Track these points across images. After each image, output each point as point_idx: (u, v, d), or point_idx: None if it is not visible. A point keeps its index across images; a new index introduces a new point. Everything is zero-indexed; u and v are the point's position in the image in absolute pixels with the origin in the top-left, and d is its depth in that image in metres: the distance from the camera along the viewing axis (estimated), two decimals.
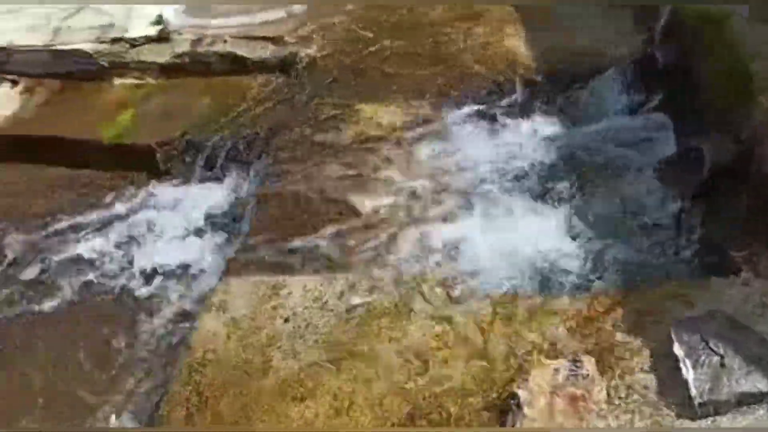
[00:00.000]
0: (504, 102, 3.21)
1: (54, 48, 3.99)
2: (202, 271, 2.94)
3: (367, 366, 2.27)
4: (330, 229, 2.85)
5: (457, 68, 3.44)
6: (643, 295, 2.27)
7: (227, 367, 2.33)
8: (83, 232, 3.27)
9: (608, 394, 1.99)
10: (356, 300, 2.49)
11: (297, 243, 2.80)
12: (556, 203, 2.75)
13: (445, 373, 2.20)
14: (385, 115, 3.30)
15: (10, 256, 3.20)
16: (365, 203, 2.93)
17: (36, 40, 4.03)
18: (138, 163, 3.54)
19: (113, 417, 2.48)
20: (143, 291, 2.94)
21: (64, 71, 3.99)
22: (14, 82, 4.03)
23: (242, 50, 3.84)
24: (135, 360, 2.70)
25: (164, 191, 3.39)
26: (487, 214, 2.76)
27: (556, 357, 2.12)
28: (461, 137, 3.10)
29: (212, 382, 2.29)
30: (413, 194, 2.92)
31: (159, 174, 3.49)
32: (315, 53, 3.73)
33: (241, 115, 3.54)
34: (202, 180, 3.39)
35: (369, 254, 2.69)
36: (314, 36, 3.84)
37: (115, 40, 4.00)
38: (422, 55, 3.57)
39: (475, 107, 3.22)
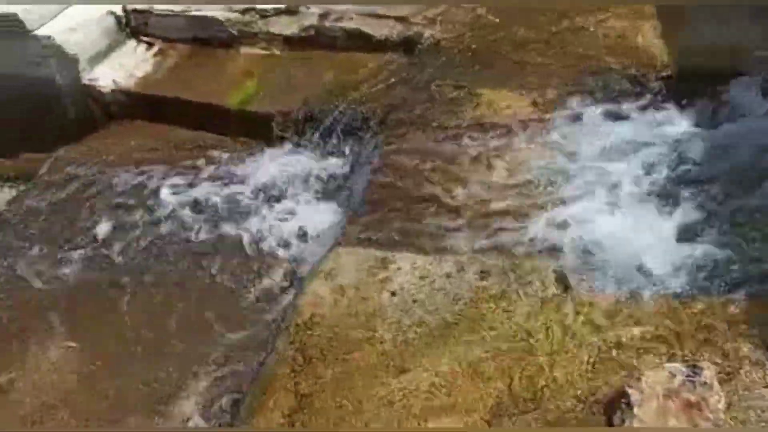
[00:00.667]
0: (635, 97, 3.08)
1: (189, 14, 4.15)
2: (312, 237, 2.99)
3: (470, 347, 2.25)
4: (442, 210, 2.84)
5: (587, 60, 3.33)
6: None
7: (332, 331, 2.37)
8: (199, 189, 3.37)
9: (727, 406, 1.89)
10: (464, 282, 2.47)
11: (407, 220, 2.81)
12: (686, 204, 2.61)
13: (551, 362, 2.15)
14: (506, 102, 3.24)
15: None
16: (478, 187, 2.91)
17: (173, 5, 4.20)
18: (259, 130, 3.63)
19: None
20: (252, 250, 3.02)
21: (196, 37, 4.14)
22: (150, 45, 4.22)
23: (367, 27, 3.87)
24: (238, 317, 2.77)
25: (282, 158, 3.46)
26: (607, 208, 2.67)
27: (672, 360, 2.03)
28: (586, 130, 3.01)
29: (317, 345, 2.33)
30: (530, 183, 2.87)
31: (278, 142, 3.57)
32: (440, 35, 3.72)
33: (362, 91, 3.56)
34: (319, 151, 3.45)
35: (480, 237, 2.66)
36: (440, 18, 3.82)
37: (246, 10, 4.12)
38: (551, 44, 3.48)
39: (603, 101, 3.11)
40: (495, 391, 2.12)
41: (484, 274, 2.48)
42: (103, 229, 3.24)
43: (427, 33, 3.74)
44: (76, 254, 3.13)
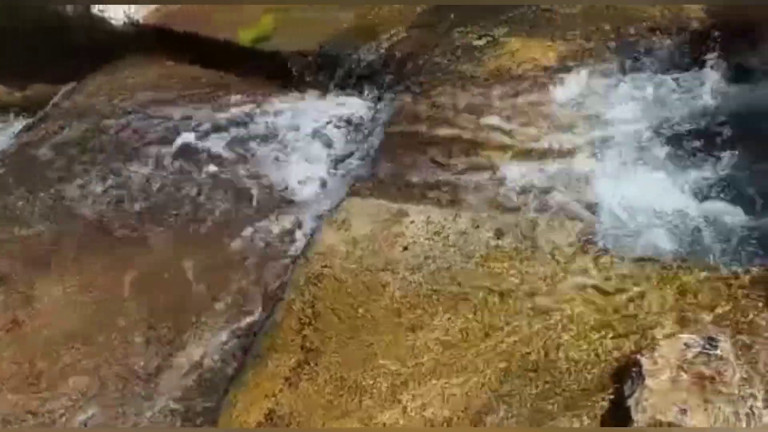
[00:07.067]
0: (667, 52, 2.96)
1: None
2: (323, 187, 2.92)
3: (483, 306, 2.22)
4: (456, 164, 2.77)
5: (626, 12, 3.18)
6: None
7: (342, 284, 2.33)
8: (200, 130, 3.30)
9: (744, 380, 1.85)
10: (478, 239, 2.42)
11: (422, 173, 2.75)
12: (708, 165, 2.53)
13: (565, 326, 2.11)
14: (533, 52, 3.13)
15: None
16: (494, 141, 2.83)
17: None
18: (271, 70, 3.54)
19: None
20: (260, 198, 2.95)
21: None
22: None
23: None
24: (248, 264, 2.73)
25: (293, 101, 3.38)
26: (626, 167, 2.59)
27: (688, 330, 1.99)
28: (615, 85, 2.90)
29: (326, 297, 2.30)
30: (549, 138, 2.78)
31: (290, 84, 3.48)
32: None
33: (382, 35, 3.46)
34: (334, 95, 3.36)
35: (496, 194, 2.60)
36: None
37: None
38: None
39: (636, 55, 2.99)
40: (508, 350, 2.08)
41: (499, 231, 2.43)
42: None
43: None
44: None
